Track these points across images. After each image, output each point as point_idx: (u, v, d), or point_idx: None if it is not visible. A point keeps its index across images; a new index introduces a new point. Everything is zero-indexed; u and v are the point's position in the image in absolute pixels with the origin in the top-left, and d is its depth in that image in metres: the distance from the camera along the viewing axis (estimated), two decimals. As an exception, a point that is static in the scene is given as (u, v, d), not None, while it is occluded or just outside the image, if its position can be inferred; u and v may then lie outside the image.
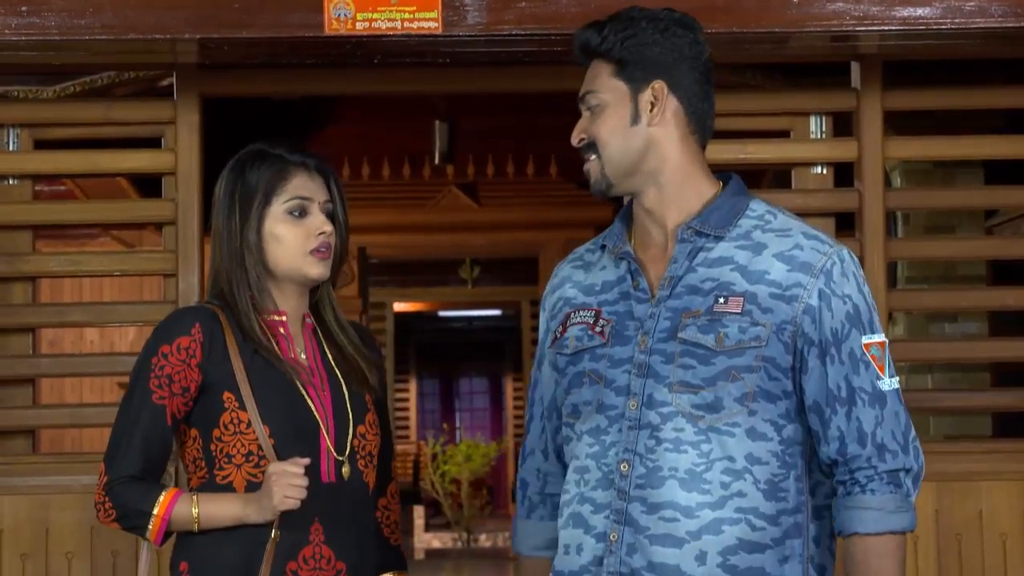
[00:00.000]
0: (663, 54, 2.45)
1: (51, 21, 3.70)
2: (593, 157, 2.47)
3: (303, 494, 2.59)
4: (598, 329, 2.47)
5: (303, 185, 2.71)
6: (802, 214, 4.18)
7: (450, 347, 21.00)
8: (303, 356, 2.73)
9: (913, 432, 2.44)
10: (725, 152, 4.25)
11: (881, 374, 2.43)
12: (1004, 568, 4.08)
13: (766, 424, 2.40)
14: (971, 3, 3.73)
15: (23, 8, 3.69)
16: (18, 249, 4.23)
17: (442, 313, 18.54)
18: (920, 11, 3.75)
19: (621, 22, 2.47)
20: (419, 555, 14.29)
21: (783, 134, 4.33)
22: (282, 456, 2.63)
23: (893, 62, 4.24)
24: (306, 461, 2.60)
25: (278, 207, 2.69)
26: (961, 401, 4.79)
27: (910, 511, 2.41)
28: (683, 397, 2.38)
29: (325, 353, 2.77)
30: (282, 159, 2.71)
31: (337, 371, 2.75)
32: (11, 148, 4.24)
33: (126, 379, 2.77)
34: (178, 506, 2.61)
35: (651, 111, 2.45)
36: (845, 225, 4.29)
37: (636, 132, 2.45)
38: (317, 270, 2.70)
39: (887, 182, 4.40)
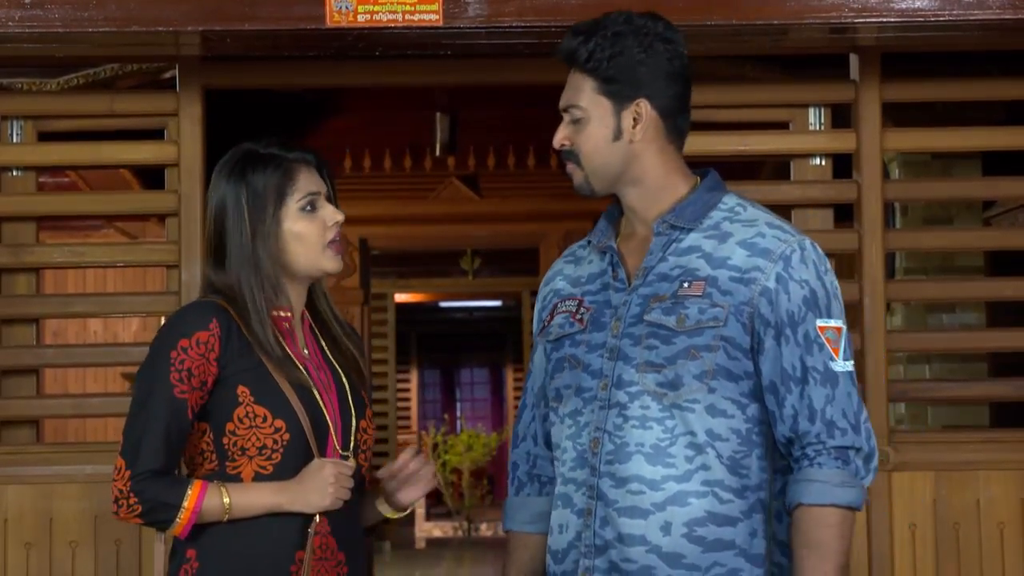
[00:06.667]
0: (647, 72, 2.53)
1: (54, 14, 3.72)
2: (575, 165, 2.57)
3: (349, 495, 2.67)
4: (578, 317, 2.59)
5: (309, 180, 2.74)
6: (801, 205, 4.23)
7: (451, 337, 21.02)
8: (306, 351, 2.77)
9: (865, 414, 2.50)
10: (724, 144, 4.27)
11: (835, 356, 2.49)
12: (1001, 557, 4.10)
13: (726, 402, 2.48)
14: (969, -5, 3.75)
15: (26, 1, 3.71)
16: (22, 240, 4.24)
17: (443, 304, 18.54)
18: (918, 3, 3.77)
19: (608, 39, 2.52)
20: (420, 544, 14.34)
21: (782, 126, 4.35)
22: (293, 453, 2.67)
23: (891, 54, 4.25)
24: (352, 464, 2.68)
25: (292, 206, 2.72)
26: (959, 391, 4.80)
27: (856, 488, 2.46)
28: (648, 376, 2.48)
29: (322, 347, 2.80)
30: (284, 159, 2.73)
31: (336, 366, 2.78)
32: (15, 140, 4.26)
33: (130, 369, 2.77)
34: (208, 498, 2.60)
35: (633, 128, 2.53)
36: (844, 216, 4.31)
37: (618, 147, 2.54)
38: (333, 264, 2.75)
39: (885, 173, 4.42)
